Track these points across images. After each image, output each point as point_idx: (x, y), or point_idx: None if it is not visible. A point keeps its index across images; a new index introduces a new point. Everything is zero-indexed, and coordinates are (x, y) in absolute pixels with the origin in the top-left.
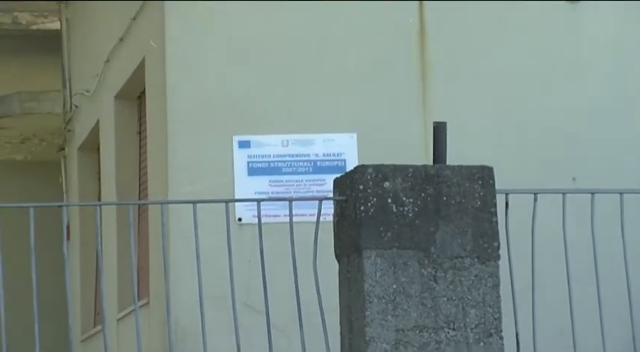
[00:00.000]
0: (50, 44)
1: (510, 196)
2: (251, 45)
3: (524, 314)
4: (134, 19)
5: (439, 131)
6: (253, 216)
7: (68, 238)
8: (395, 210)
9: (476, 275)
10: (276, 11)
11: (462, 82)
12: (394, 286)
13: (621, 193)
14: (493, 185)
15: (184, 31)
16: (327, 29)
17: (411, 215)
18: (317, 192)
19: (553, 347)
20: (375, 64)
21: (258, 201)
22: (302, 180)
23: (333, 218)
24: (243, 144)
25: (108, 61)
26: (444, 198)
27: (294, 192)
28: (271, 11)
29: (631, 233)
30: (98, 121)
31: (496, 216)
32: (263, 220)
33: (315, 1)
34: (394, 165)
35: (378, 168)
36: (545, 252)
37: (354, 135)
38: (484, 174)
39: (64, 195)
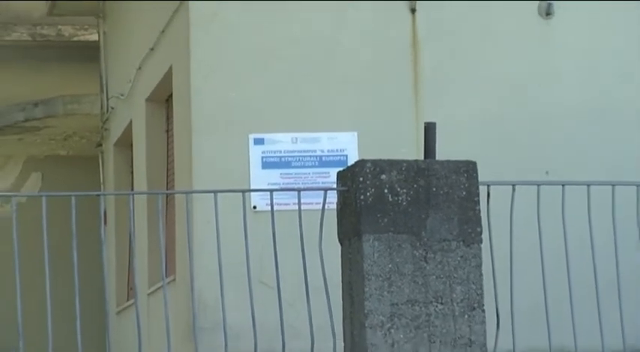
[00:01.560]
0: (89, 54)
1: (491, 187)
2: (265, 54)
3: (503, 291)
4: (162, 31)
5: (429, 130)
6: (266, 205)
7: (105, 223)
8: (390, 199)
9: (461, 257)
10: (287, 24)
11: (449, 87)
12: (390, 266)
13: (588, 185)
14: (476, 177)
15: (207, 42)
16: (332, 40)
17: (404, 204)
18: (322, 183)
19: (528, 319)
20: (374, 71)
21: (271, 191)
22: (309, 173)
23: (337, 206)
24: (258, 141)
25: (140, 68)
26: (434, 189)
27: (302, 183)
28: (283, 24)
29: (598, 219)
30: (131, 121)
31: (479, 204)
32: (275, 208)
33: (320, 12)
34: (390, 160)
35: (375, 162)
36: (522, 236)
37: (355, 134)
38: (469, 168)
39: (102, 185)
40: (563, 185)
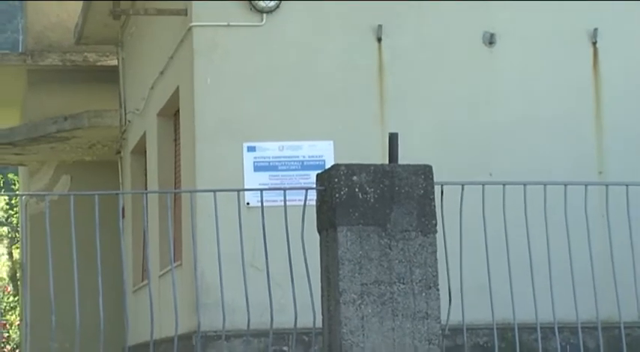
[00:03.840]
0: (110, 76)
1: (444, 186)
2: (256, 77)
3: (454, 273)
4: (171, 57)
5: (393, 139)
6: (257, 201)
7: (123, 217)
8: (360, 197)
9: (419, 244)
10: (274, 53)
11: (409, 103)
12: (360, 252)
13: (525, 185)
14: (432, 178)
15: (207, 67)
16: (312, 66)
17: (372, 200)
18: (304, 183)
19: (475, 296)
20: (346, 90)
21: (261, 190)
22: (293, 175)
23: (316, 203)
24: (251, 149)
25: (152, 88)
26: (397, 188)
27: (287, 183)
28: (271, 53)
29: (532, 212)
30: (145, 132)
31: (434, 201)
32: (265, 204)
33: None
34: (360, 164)
35: (348, 166)
36: (471, 227)
37: (331, 142)
38: (425, 171)
39: (120, 185)
40: (503, 185)
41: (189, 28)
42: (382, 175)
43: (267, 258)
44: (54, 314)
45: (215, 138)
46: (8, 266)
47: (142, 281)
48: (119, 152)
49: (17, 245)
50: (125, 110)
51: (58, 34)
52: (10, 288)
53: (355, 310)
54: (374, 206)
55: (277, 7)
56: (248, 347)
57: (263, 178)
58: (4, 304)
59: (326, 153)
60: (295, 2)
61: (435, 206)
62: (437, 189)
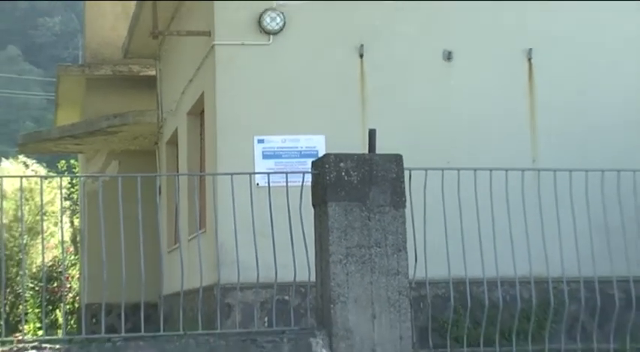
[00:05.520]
0: (150, 83)
1: (412, 171)
2: (264, 85)
3: (420, 239)
4: (198, 69)
5: (372, 134)
6: (265, 182)
7: (160, 194)
8: (346, 179)
9: (392, 216)
10: (278, 66)
11: (385, 107)
12: (345, 222)
13: (475, 170)
14: (402, 165)
15: (227, 76)
16: (308, 76)
17: (355, 182)
18: (302, 168)
19: (436, 257)
20: (336, 95)
21: (268, 173)
22: (293, 162)
23: (311, 184)
24: (260, 141)
25: (183, 93)
26: (374, 173)
27: (289, 168)
28: (275, 66)
29: (482, 194)
30: (177, 128)
31: (404, 183)
32: (271, 185)
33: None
34: (346, 154)
35: (337, 155)
36: (434, 203)
37: (323, 137)
38: (397, 159)
39: (158, 169)
40: (458, 170)
41: (212, 46)
42: (363, 162)
43: (272, 227)
44: (105, 270)
45: (232, 133)
46: (70, 232)
47: (174, 244)
48: (156, 143)
49: (77, 215)
50: (161, 110)
51: (110, 51)
52: (71, 249)
53: (341, 268)
54: (356, 186)
55: (281, 30)
56: (257, 297)
57: (270, 164)
58: (67, 261)
59: (319, 144)
60: (296, 26)
61: (404, 187)
62: (406, 173)
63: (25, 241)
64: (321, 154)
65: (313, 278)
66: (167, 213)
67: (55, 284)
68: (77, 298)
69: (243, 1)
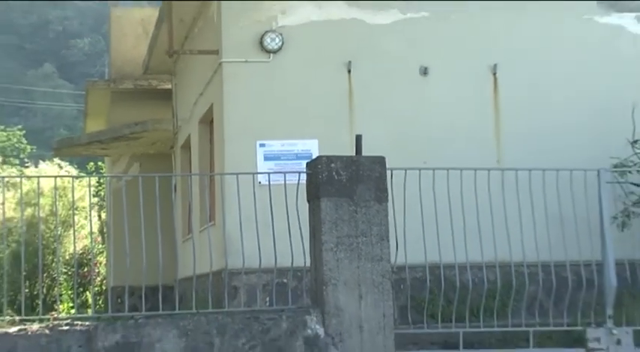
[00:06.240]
0: (167, 95)
1: (393, 171)
2: (265, 98)
3: (400, 229)
4: (207, 83)
5: (358, 139)
6: (266, 181)
7: (175, 191)
8: (336, 178)
9: (376, 210)
10: (277, 81)
11: (369, 116)
12: (336, 215)
13: (448, 170)
14: (385, 166)
15: (232, 90)
16: (303, 89)
17: (344, 180)
18: (298, 169)
19: (414, 245)
20: (327, 106)
21: (269, 173)
22: (290, 163)
23: (306, 182)
24: (262, 145)
25: (195, 104)
26: (361, 172)
27: (287, 169)
28: (275, 81)
29: (454, 191)
30: (190, 134)
31: (386, 180)
32: (271, 183)
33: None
34: (336, 156)
35: (328, 157)
36: (413, 199)
37: (316, 141)
38: (381, 161)
39: (173, 170)
40: (433, 170)
41: (220, 63)
42: (351, 163)
43: (272, 220)
44: (128, 257)
45: (237, 138)
46: (98, 224)
47: (188, 234)
48: (172, 147)
49: (104, 210)
50: (176, 119)
51: (132, 67)
52: (99, 239)
53: (332, 255)
54: (345, 184)
55: (280, 49)
56: (260, 280)
57: (270, 165)
58: (96, 250)
59: (313, 148)
60: (293, 45)
61: (386, 184)
62: (388, 173)
63: (59, 232)
64: (314, 156)
65: (308, 264)
66: (182, 208)
67: (85, 270)
68: (104, 281)
69: (246, 23)
